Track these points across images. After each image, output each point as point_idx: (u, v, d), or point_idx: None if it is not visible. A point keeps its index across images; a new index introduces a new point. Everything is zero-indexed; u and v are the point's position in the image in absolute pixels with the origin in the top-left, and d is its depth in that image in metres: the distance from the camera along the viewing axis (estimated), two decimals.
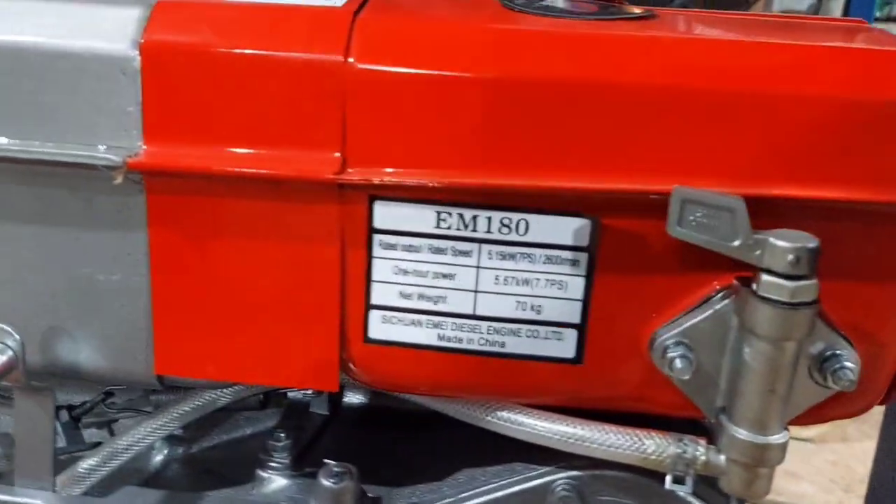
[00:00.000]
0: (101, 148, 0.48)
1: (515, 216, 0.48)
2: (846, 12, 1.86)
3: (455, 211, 0.48)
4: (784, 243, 0.43)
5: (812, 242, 0.43)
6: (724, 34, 0.52)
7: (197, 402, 0.59)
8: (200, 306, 0.51)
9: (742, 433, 0.47)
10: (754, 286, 0.44)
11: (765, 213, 0.45)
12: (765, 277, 0.44)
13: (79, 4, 0.50)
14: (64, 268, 0.51)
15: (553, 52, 0.47)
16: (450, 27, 0.50)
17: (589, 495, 0.53)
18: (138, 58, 0.47)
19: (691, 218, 0.44)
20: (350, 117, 0.47)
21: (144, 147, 0.48)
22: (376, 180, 0.47)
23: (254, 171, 0.47)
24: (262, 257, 0.49)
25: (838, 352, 0.47)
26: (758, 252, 0.43)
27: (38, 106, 0.48)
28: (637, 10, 0.54)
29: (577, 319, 0.49)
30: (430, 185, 0.47)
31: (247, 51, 0.47)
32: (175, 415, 0.59)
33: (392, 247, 0.49)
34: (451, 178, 0.47)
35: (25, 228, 0.51)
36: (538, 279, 0.49)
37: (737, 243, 0.44)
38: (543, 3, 0.54)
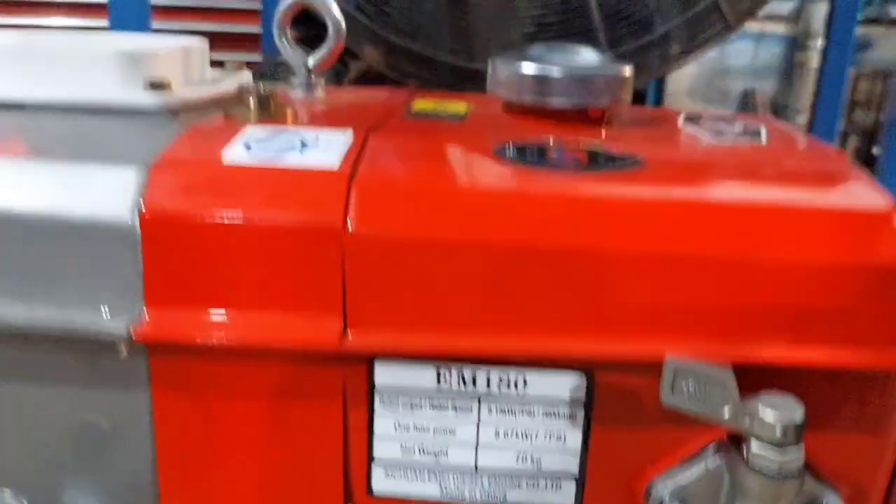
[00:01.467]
0: (105, 311, 0.49)
1: (514, 373, 0.49)
2: (830, 15, 1.87)
3: (454, 369, 0.49)
4: (771, 417, 0.44)
5: (798, 414, 0.44)
6: (708, 192, 0.53)
7: None
8: (205, 463, 0.52)
9: None
10: (745, 451, 0.46)
11: (753, 374, 0.47)
12: (754, 444, 0.45)
13: (74, 165, 0.50)
14: (68, 426, 0.52)
15: (546, 217, 0.48)
16: (446, 189, 0.50)
17: None
18: (138, 226, 0.48)
19: (683, 385, 0.46)
20: (350, 282, 0.48)
21: (146, 310, 0.49)
22: (377, 348, 0.48)
23: (255, 341, 0.48)
24: (265, 417, 0.50)
25: (825, 502, 0.49)
26: (747, 422, 0.45)
27: (35, 272, 0.49)
28: (624, 156, 0.55)
29: (575, 470, 0.51)
30: (430, 348, 0.48)
31: (245, 216, 0.48)
32: None
33: (393, 404, 0.50)
34: (450, 338, 0.48)
35: (28, 390, 0.52)
36: (537, 432, 0.50)
37: (726, 415, 0.45)
38: (535, 146, 0.56)
